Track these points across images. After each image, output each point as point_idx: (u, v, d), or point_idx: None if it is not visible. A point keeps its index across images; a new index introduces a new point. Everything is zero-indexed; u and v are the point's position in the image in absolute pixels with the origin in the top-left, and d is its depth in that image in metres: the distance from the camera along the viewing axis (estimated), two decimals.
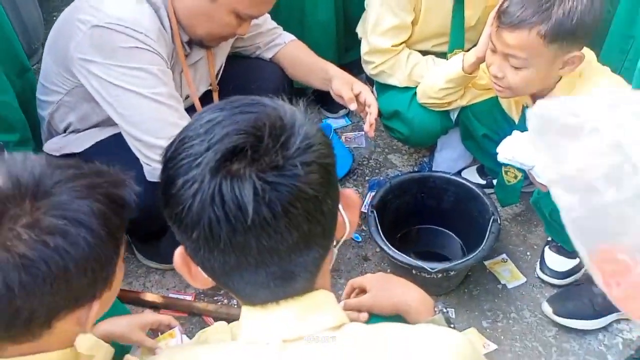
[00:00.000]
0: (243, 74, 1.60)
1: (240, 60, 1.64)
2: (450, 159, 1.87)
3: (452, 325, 0.94)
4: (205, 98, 1.52)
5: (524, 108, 1.42)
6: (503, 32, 1.27)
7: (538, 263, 1.61)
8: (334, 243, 0.66)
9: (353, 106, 1.50)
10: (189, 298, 1.58)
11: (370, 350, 0.63)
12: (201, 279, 0.66)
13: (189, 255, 0.64)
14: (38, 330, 0.66)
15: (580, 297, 1.46)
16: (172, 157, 0.61)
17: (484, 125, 1.61)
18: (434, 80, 1.56)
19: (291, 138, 0.59)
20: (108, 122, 1.39)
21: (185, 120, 1.30)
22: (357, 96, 1.51)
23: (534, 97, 1.39)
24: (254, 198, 0.56)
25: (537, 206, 1.52)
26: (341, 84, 1.52)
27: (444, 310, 0.96)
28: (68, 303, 0.66)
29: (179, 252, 0.65)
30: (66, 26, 1.31)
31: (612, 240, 0.56)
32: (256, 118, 0.59)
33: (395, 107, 1.70)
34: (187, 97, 1.48)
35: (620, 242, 0.56)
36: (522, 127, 1.41)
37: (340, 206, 0.65)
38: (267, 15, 1.56)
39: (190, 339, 1.34)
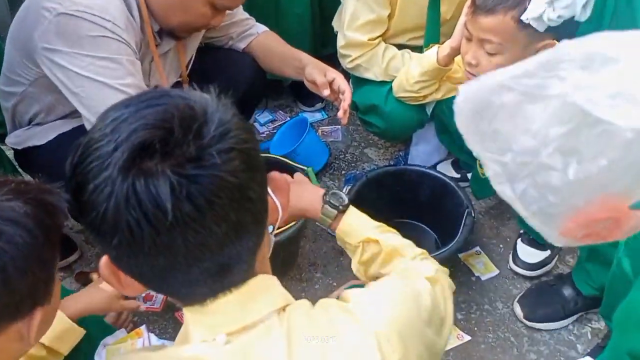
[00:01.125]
0: (214, 65, 1.59)
1: (212, 51, 1.62)
2: (425, 152, 1.89)
3: (339, 207, 0.96)
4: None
5: None
6: (478, 17, 1.27)
7: (511, 255, 1.63)
8: (269, 229, 0.64)
9: (326, 92, 1.48)
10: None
11: (314, 326, 0.63)
12: (133, 287, 0.62)
13: (115, 264, 0.60)
14: None
15: (552, 303, 1.48)
16: (79, 162, 0.57)
17: None
18: (410, 73, 1.57)
19: (204, 127, 0.55)
20: (74, 114, 1.35)
21: None
22: (330, 83, 1.49)
23: None
24: (171, 194, 0.53)
25: None
26: (314, 70, 1.51)
27: (327, 197, 0.97)
28: (8, 311, 0.63)
29: (103, 261, 0.61)
30: (30, 14, 1.27)
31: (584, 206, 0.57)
32: (164, 110, 0.56)
33: (372, 101, 1.71)
34: (157, 87, 1.45)
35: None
36: None
37: (269, 190, 0.63)
38: (240, 6, 1.55)
39: (160, 337, 1.34)
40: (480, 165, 1.58)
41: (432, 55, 1.49)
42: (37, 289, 0.65)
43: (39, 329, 0.68)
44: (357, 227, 0.97)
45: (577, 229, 0.64)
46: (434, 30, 1.62)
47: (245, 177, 0.57)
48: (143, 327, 1.19)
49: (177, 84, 1.54)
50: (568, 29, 1.23)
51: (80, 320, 1.04)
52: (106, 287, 1.10)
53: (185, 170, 0.53)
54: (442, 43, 1.55)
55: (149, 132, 0.54)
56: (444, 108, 1.64)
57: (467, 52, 1.35)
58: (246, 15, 1.64)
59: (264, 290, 0.63)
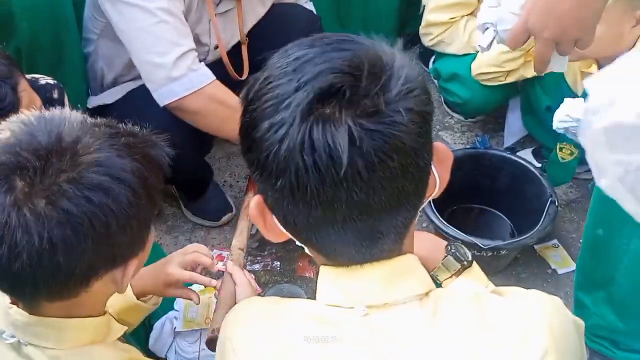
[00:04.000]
0: (274, 22, 1.57)
1: (275, 10, 1.60)
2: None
3: (464, 262, 0.87)
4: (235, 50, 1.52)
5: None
6: None
7: None
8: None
9: None
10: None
11: (463, 322, 0.58)
12: (277, 232, 0.60)
13: (269, 206, 0.58)
14: (76, 288, 0.65)
15: None
16: (255, 97, 0.55)
17: (549, 96, 1.55)
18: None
19: (391, 80, 0.52)
20: (130, 65, 1.38)
21: (185, 40, 1.29)
22: None
23: (600, 65, 1.33)
24: (349, 146, 0.50)
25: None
26: None
27: (451, 248, 0.88)
28: (107, 261, 0.65)
29: (256, 201, 0.59)
30: None
31: None
32: (353, 55, 0.53)
33: (455, 70, 1.67)
34: (217, 47, 1.47)
35: None
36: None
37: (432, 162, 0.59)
38: None
39: None
40: (561, 149, 1.51)
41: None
42: (134, 243, 0.68)
43: (132, 273, 0.70)
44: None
45: None
46: None
47: (419, 142, 0.54)
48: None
49: (237, 46, 1.54)
50: None
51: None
52: (174, 272, 1.02)
53: (367, 123, 0.50)
54: None
55: (336, 76, 0.51)
56: (535, 84, 1.57)
57: None
58: None
59: (409, 270, 0.60)
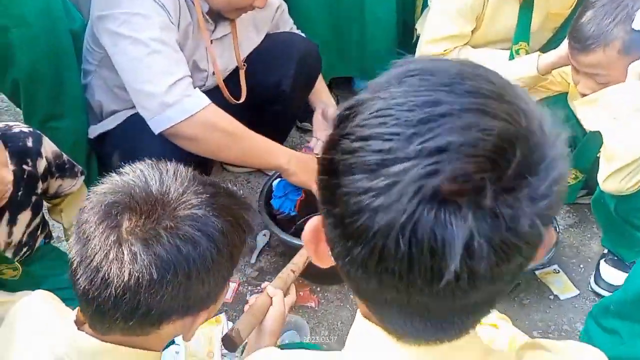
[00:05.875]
0: (272, 49, 1.61)
1: (272, 37, 1.64)
2: None
3: None
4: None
5: None
6: (579, 56, 1.27)
7: (592, 276, 1.55)
8: None
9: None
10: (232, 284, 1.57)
11: None
12: (327, 261, 0.51)
13: (329, 245, 0.47)
14: (148, 327, 0.69)
15: None
16: (352, 133, 0.42)
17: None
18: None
19: (540, 185, 0.40)
20: (128, 94, 1.38)
21: (178, 67, 1.29)
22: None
23: None
24: (462, 253, 0.38)
25: (598, 205, 1.44)
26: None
27: None
28: (181, 308, 0.69)
29: (313, 223, 0.50)
30: None
31: None
32: (503, 131, 0.39)
33: None
34: (214, 73, 1.49)
35: None
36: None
37: None
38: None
39: None
40: None
41: (532, 61, 1.45)
42: (209, 296, 0.71)
43: (201, 323, 0.74)
44: None
45: None
46: (524, 28, 1.57)
47: (538, 248, 0.43)
48: (222, 315, 1.19)
49: (235, 71, 1.57)
50: None
51: None
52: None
53: (492, 232, 0.39)
54: (529, 47, 1.50)
55: (477, 164, 0.38)
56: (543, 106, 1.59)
57: (578, 82, 1.33)
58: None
59: (470, 347, 0.51)
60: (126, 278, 0.64)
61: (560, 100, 1.54)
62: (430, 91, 0.41)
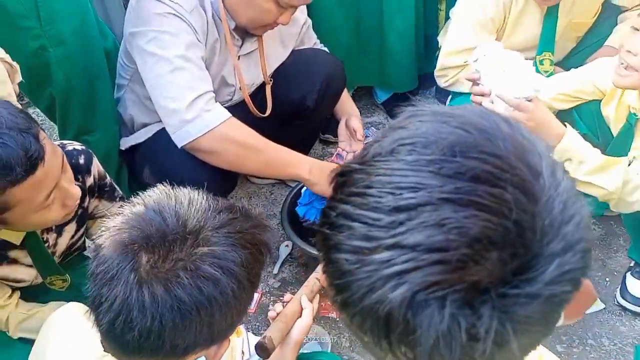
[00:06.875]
0: (298, 64, 1.64)
1: (298, 53, 1.68)
2: None
3: None
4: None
5: (630, 115, 1.35)
6: None
7: (618, 290, 1.53)
8: None
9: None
10: (255, 295, 1.60)
11: None
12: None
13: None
14: (174, 359, 0.70)
15: None
16: (335, 207, 0.42)
17: (586, 124, 1.50)
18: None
19: (549, 236, 0.37)
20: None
21: (201, 83, 1.32)
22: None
23: None
24: (483, 339, 0.37)
25: (629, 213, 1.39)
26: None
27: None
28: (206, 342, 0.70)
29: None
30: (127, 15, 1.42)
31: None
32: (480, 230, 0.36)
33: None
34: (241, 88, 1.53)
35: None
36: (622, 137, 1.36)
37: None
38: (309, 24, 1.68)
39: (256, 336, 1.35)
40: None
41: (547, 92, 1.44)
42: (233, 326, 0.72)
43: (224, 349, 0.76)
44: None
45: None
46: (549, 38, 1.56)
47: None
48: (242, 327, 1.21)
49: (262, 85, 1.61)
50: None
51: None
52: None
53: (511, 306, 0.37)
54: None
55: (440, 270, 0.37)
56: (573, 111, 1.54)
57: (629, 40, 1.26)
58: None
59: None
60: (149, 322, 0.64)
61: (593, 105, 1.50)
62: (416, 171, 0.39)
